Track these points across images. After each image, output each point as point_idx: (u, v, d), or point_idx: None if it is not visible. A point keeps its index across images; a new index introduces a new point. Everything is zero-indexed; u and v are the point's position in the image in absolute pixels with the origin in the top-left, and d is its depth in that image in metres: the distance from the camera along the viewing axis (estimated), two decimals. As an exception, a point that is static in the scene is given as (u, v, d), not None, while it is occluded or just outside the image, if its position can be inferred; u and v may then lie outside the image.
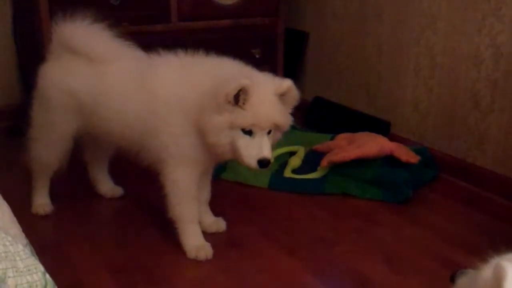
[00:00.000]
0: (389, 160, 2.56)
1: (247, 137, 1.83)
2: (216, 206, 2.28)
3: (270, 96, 1.84)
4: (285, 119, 1.89)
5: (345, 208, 2.45)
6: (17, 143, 2.37)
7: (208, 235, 2.15)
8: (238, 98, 1.78)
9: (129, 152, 2.11)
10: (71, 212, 2.38)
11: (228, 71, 1.89)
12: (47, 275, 0.92)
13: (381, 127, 2.97)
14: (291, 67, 3.45)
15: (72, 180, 2.55)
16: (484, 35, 2.47)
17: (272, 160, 1.87)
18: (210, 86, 1.85)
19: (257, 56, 3.21)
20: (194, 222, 2.07)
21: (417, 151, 2.64)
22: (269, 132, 1.86)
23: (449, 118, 2.69)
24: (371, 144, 2.58)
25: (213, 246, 2.06)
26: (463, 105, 2.61)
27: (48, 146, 2.23)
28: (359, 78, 3.20)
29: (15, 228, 1.16)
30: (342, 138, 2.74)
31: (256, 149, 1.83)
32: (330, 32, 3.36)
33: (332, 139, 2.80)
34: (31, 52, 3.03)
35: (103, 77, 2.08)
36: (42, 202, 2.34)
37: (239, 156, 1.85)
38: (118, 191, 2.49)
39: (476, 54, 2.51)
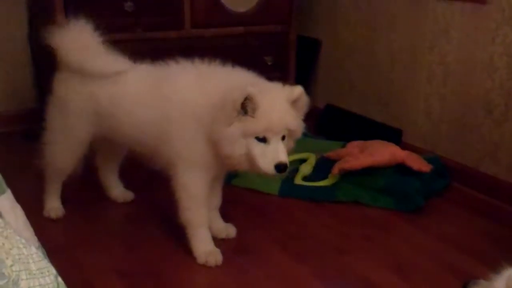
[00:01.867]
0: (401, 168, 2.56)
1: (261, 144, 1.84)
2: (227, 212, 2.28)
3: (280, 102, 1.86)
4: (297, 124, 1.90)
5: (356, 216, 2.45)
6: (31, 147, 2.39)
7: (218, 241, 2.15)
8: (246, 107, 1.80)
9: (142, 156, 2.13)
10: (82, 216, 2.39)
11: (240, 81, 1.90)
12: (59, 278, 0.93)
13: (393, 135, 2.96)
14: (303, 75, 3.45)
15: (83, 184, 2.57)
16: (498, 44, 2.46)
17: (288, 165, 1.88)
18: (220, 96, 1.87)
19: (269, 64, 3.21)
20: (204, 227, 2.08)
21: (429, 160, 2.63)
22: (283, 138, 1.87)
23: (462, 126, 2.68)
24: (382, 152, 2.58)
25: (223, 252, 2.06)
26: (476, 114, 2.60)
27: (63, 150, 2.25)
28: (371, 86, 3.20)
29: (28, 231, 1.18)
30: (354, 146, 2.74)
31: (272, 155, 1.83)
32: (342, 39, 3.36)
33: (343, 146, 2.80)
34: (46, 57, 3.05)
35: (120, 81, 2.11)
36: (54, 206, 2.36)
37: (256, 164, 1.86)
38: (129, 195, 2.50)
39: (489, 62, 2.51)
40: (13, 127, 3.28)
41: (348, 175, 2.59)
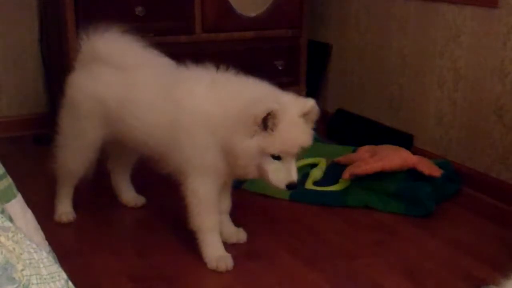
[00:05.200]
0: (412, 173, 2.54)
1: (276, 162, 1.87)
2: (237, 217, 2.28)
3: (296, 120, 1.86)
4: (310, 141, 1.93)
5: (367, 221, 2.44)
6: (42, 152, 2.40)
7: (228, 246, 2.15)
8: (267, 122, 1.81)
9: (151, 160, 2.14)
10: (93, 221, 2.40)
11: (256, 93, 1.91)
12: (70, 283, 0.93)
13: (404, 140, 2.95)
14: (313, 79, 3.45)
15: (94, 189, 2.58)
16: (509, 48, 2.45)
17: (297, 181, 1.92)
18: (238, 107, 1.87)
19: (280, 68, 3.22)
20: (215, 232, 2.07)
21: (440, 165, 2.61)
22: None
23: (473, 132, 2.67)
24: (393, 157, 2.57)
25: (233, 257, 2.06)
26: (487, 119, 2.59)
27: (75, 153, 2.27)
28: (382, 91, 3.19)
29: (39, 236, 1.18)
30: (365, 150, 2.73)
31: (285, 174, 1.88)
32: (353, 44, 3.36)
33: (354, 151, 2.79)
34: (57, 61, 3.07)
35: (131, 85, 2.12)
36: (65, 210, 2.37)
37: (267, 179, 1.90)
38: (140, 200, 2.51)
39: (501, 67, 2.49)
40: (24, 132, 3.30)
41: (359, 180, 2.58)
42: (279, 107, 1.80)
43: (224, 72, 2.02)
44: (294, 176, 1.89)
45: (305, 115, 1.88)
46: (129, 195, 2.51)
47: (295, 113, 1.86)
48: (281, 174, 1.87)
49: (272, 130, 1.81)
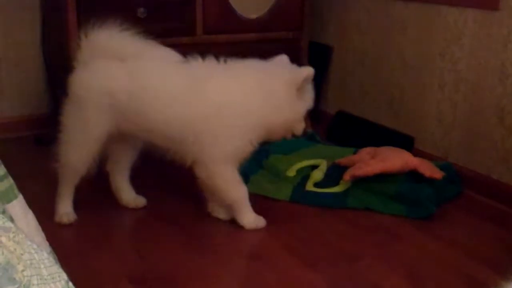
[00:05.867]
0: (413, 175, 2.54)
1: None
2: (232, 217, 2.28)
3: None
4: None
5: (367, 223, 2.44)
6: (44, 152, 2.40)
7: (228, 247, 2.15)
8: (302, 87, 2.18)
9: (163, 151, 2.23)
10: (93, 222, 2.40)
11: (273, 71, 2.22)
12: (70, 284, 0.93)
13: (404, 142, 2.95)
14: (314, 81, 3.44)
15: (94, 189, 2.58)
16: (510, 50, 2.45)
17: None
18: (286, 78, 2.18)
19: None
20: (246, 200, 2.30)
21: (441, 167, 2.61)
22: None
23: (474, 133, 2.67)
24: (394, 159, 2.57)
25: (233, 258, 2.06)
26: (488, 121, 2.59)
27: (80, 149, 2.28)
28: (382, 92, 3.19)
29: (40, 236, 1.18)
30: (365, 152, 2.73)
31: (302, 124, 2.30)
32: (354, 45, 3.36)
33: (355, 153, 2.79)
34: (59, 62, 3.08)
35: (145, 77, 2.18)
36: (66, 211, 2.37)
37: (293, 133, 2.27)
38: (140, 201, 2.51)
39: (501, 69, 2.50)
40: (25, 132, 3.30)
41: (359, 182, 2.58)
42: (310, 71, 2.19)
43: (238, 61, 2.23)
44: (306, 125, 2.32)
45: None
46: (129, 196, 2.51)
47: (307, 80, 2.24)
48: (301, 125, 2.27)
49: (303, 91, 2.20)
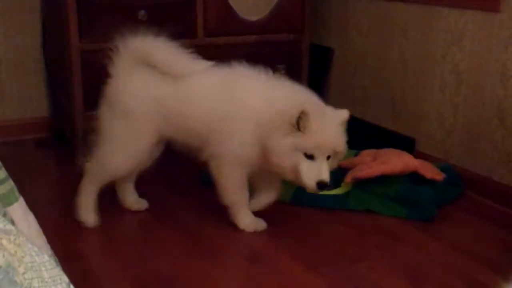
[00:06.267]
0: (414, 177, 2.54)
1: (308, 160, 2.03)
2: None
3: (332, 124, 2.07)
4: (344, 146, 2.12)
5: (369, 225, 2.44)
6: (44, 155, 2.41)
7: (229, 250, 2.15)
8: (300, 122, 1.99)
9: (188, 147, 2.28)
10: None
11: (301, 99, 2.09)
12: (72, 286, 0.93)
13: (406, 143, 2.95)
14: (315, 83, 3.45)
15: (99, 191, 2.57)
16: (511, 52, 2.45)
17: (328, 183, 2.07)
18: (283, 109, 2.05)
19: (282, 72, 3.22)
20: (246, 205, 2.31)
21: (442, 168, 2.61)
22: (328, 157, 2.06)
23: (475, 135, 2.67)
24: (395, 161, 2.57)
25: (234, 260, 2.06)
26: (489, 122, 2.59)
27: (127, 158, 2.30)
28: (384, 95, 3.19)
29: (40, 239, 1.18)
30: (367, 154, 2.73)
31: (316, 172, 2.03)
32: (355, 48, 3.36)
33: (356, 155, 2.79)
34: (60, 65, 3.08)
35: (188, 83, 2.24)
36: (91, 214, 2.35)
37: (299, 177, 2.05)
38: (143, 204, 2.51)
39: (502, 71, 2.49)
40: (26, 136, 3.31)
41: (360, 184, 2.58)
42: (310, 108, 1.98)
43: (276, 76, 2.25)
44: (324, 176, 2.03)
45: (343, 123, 2.09)
46: (132, 199, 2.51)
47: (332, 119, 2.07)
48: (312, 173, 2.03)
49: (305, 129, 1.99)
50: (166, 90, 2.24)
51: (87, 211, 2.34)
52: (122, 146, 2.29)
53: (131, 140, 2.28)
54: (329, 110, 2.11)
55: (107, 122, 2.29)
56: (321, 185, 2.03)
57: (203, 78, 2.24)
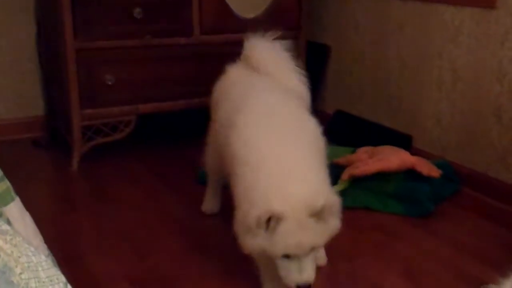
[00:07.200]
0: (411, 174, 2.54)
1: (285, 259, 1.66)
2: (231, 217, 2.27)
3: (304, 221, 1.62)
4: (323, 240, 1.72)
5: (366, 222, 2.44)
6: (40, 154, 2.40)
7: (227, 247, 2.14)
8: (269, 222, 1.61)
9: None
10: (92, 224, 2.40)
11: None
12: (69, 286, 0.93)
13: (402, 141, 2.95)
14: (312, 81, 3.44)
15: (92, 192, 2.57)
16: (507, 48, 2.45)
17: (312, 281, 1.69)
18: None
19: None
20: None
21: (439, 165, 2.61)
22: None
23: (472, 132, 2.67)
24: (392, 158, 2.57)
25: (232, 258, 2.06)
26: (486, 119, 2.59)
27: None
28: (380, 92, 3.19)
29: (37, 239, 1.18)
30: (364, 151, 2.73)
31: (295, 274, 1.66)
32: (352, 45, 3.36)
33: (353, 152, 2.79)
34: (55, 64, 3.07)
35: None
36: (210, 202, 2.42)
37: (279, 273, 1.70)
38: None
39: (499, 68, 2.50)
40: (22, 135, 3.30)
41: (357, 181, 2.58)
42: (282, 209, 1.59)
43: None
44: (306, 277, 1.66)
45: (316, 215, 1.63)
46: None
47: (303, 213, 1.62)
48: (291, 274, 1.66)
49: (274, 231, 1.60)
50: None
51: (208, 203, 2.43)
52: None
53: None
54: (297, 199, 1.62)
55: None
56: (303, 287, 1.66)
57: None
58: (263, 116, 1.89)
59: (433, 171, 2.54)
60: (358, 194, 2.56)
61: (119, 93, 2.92)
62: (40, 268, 0.88)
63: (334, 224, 1.72)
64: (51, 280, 0.89)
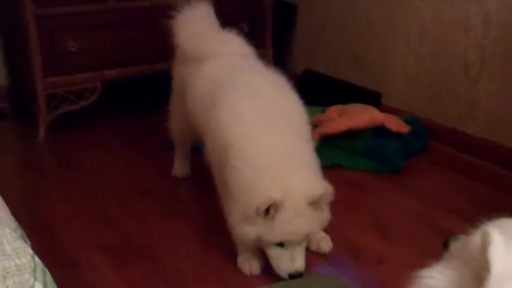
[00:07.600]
0: (380, 130, 2.56)
1: (278, 248, 1.72)
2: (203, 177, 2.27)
3: (302, 208, 1.68)
4: (318, 227, 1.80)
5: (337, 179, 2.40)
6: (4, 125, 2.35)
7: (200, 212, 2.14)
8: (269, 211, 1.66)
9: None
10: (61, 193, 2.36)
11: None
12: (36, 258, 0.91)
13: (372, 98, 2.96)
14: (280, 40, 3.41)
15: (62, 162, 2.54)
16: (473, 2, 2.45)
17: (303, 270, 1.74)
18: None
19: (245, 31, 3.16)
20: None
21: (408, 121, 2.63)
22: None
23: (439, 87, 2.68)
24: (361, 116, 2.58)
25: (205, 223, 2.05)
26: (453, 74, 2.60)
27: None
28: (348, 49, 3.18)
29: (3, 211, 1.15)
30: (333, 110, 2.73)
31: (287, 262, 1.72)
32: (319, 3, 3.32)
33: (323, 111, 2.79)
34: (16, 33, 2.99)
35: None
36: (180, 166, 2.44)
37: (270, 263, 1.76)
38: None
39: (465, 21, 2.50)
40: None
41: (328, 140, 2.59)
42: (282, 197, 1.64)
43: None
44: (298, 265, 1.72)
45: (313, 203, 1.70)
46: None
47: (301, 201, 1.68)
48: (284, 263, 1.72)
49: (273, 219, 1.66)
50: None
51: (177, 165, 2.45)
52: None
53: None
54: (295, 187, 1.68)
55: None
56: (294, 275, 1.72)
57: None
58: (254, 100, 1.93)
59: (402, 127, 2.55)
60: (329, 152, 2.56)
61: (83, 60, 2.85)
62: (5, 241, 0.86)
63: (327, 212, 1.78)
64: (17, 253, 0.87)
